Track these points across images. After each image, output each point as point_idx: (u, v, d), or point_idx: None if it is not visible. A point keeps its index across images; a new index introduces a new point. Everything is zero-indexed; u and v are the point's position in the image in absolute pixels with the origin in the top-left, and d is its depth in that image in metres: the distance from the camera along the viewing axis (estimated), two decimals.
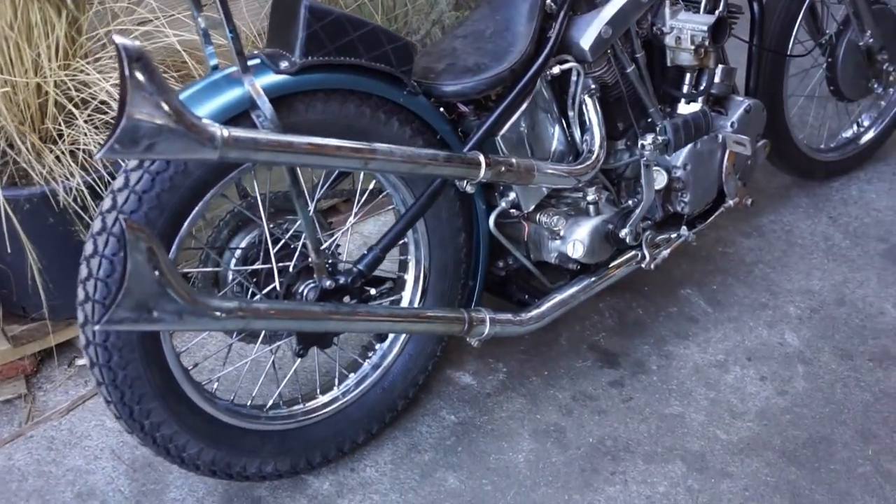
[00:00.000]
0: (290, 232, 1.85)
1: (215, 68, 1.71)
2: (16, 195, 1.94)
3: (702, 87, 2.24)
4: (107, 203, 1.60)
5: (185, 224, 1.65)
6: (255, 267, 1.81)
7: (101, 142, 1.92)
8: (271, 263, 1.80)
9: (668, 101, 2.28)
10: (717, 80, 2.25)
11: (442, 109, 1.94)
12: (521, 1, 1.98)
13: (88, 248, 1.60)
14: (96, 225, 1.60)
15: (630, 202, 2.22)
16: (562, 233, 2.05)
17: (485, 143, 1.90)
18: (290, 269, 1.81)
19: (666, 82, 2.26)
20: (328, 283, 1.76)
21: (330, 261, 1.80)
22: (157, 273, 1.45)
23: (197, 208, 1.65)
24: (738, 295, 2.55)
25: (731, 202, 2.37)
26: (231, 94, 1.62)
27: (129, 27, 1.91)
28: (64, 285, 2.11)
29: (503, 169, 1.84)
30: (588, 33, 2.01)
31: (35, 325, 2.20)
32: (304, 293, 1.81)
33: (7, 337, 2.18)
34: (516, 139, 1.97)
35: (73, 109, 1.85)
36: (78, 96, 1.88)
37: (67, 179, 1.91)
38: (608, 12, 2.02)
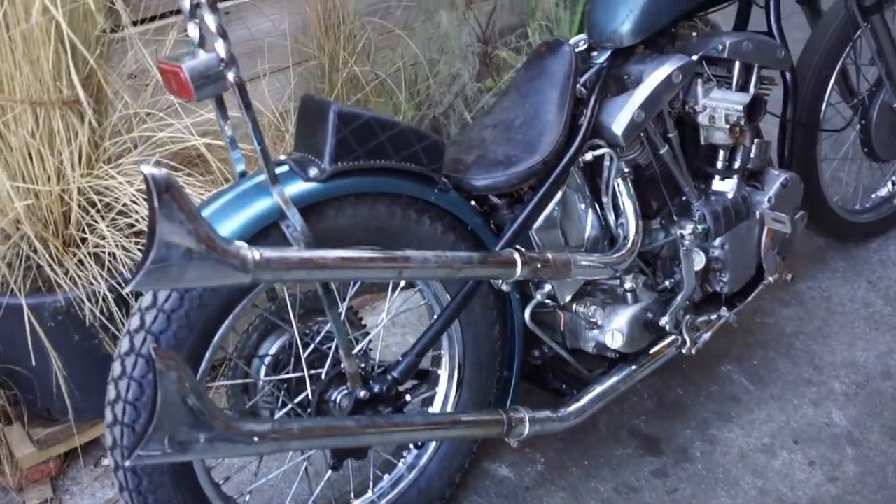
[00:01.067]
0: (321, 335, 1.80)
1: (243, 175, 1.67)
2: (39, 302, 1.89)
3: (737, 164, 2.18)
4: (134, 322, 1.55)
5: (215, 339, 1.59)
6: (286, 376, 1.75)
7: (124, 245, 1.89)
8: (303, 371, 1.75)
9: (702, 178, 2.22)
10: (752, 155, 2.19)
11: (473, 203, 1.89)
12: (551, 87, 1.93)
13: (116, 369, 1.55)
14: (124, 345, 1.55)
15: (668, 284, 2.15)
16: (599, 322, 1.99)
17: (518, 237, 1.85)
18: (323, 377, 1.75)
19: (699, 158, 2.21)
20: (362, 393, 1.69)
21: (363, 365, 1.74)
22: (188, 403, 1.39)
23: (227, 322, 1.60)
24: (781, 370, 2.47)
25: (770, 279, 2.30)
26: (260, 206, 1.57)
27: (152, 131, 1.87)
28: (88, 389, 2.06)
29: (539, 266, 1.78)
30: (620, 118, 1.96)
31: (60, 428, 2.14)
32: (338, 401, 1.75)
33: (32, 440, 2.13)
34: (550, 230, 1.91)
35: (96, 215, 1.81)
36: (101, 201, 1.84)
37: (91, 284, 1.86)
38: (640, 96, 1.97)
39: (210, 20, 1.45)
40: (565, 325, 2.04)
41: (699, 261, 2.14)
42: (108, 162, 1.87)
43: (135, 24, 2.04)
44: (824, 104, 2.58)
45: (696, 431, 2.29)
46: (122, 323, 1.90)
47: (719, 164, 2.20)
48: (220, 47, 1.45)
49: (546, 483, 2.16)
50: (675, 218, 2.18)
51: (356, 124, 1.62)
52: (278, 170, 1.61)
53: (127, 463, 1.51)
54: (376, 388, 1.71)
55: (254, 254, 1.39)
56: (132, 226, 1.88)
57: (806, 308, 2.69)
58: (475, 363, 1.97)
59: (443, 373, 1.97)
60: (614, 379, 2.05)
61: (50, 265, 1.83)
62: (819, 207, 2.70)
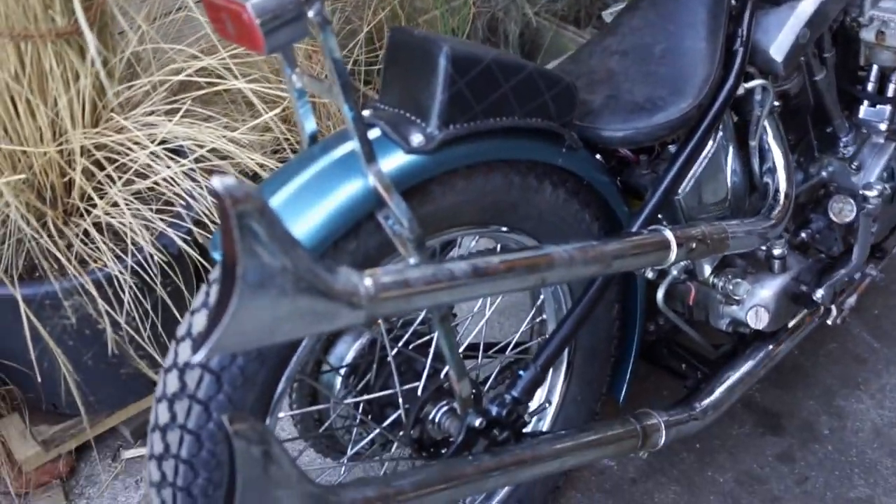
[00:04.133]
0: (409, 332, 1.40)
1: (314, 140, 1.22)
2: (34, 292, 1.46)
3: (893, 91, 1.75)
4: (172, 384, 1.14)
5: (287, 373, 1.19)
6: (370, 396, 1.37)
7: (144, 215, 1.45)
8: (392, 384, 1.36)
9: (845, 102, 1.80)
10: None
11: (598, 156, 1.46)
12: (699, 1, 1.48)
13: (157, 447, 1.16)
14: (161, 415, 1.15)
15: (804, 237, 1.76)
16: (740, 297, 1.60)
17: (663, 206, 1.44)
18: (419, 392, 1.37)
19: (845, 79, 1.78)
20: (477, 421, 1.31)
21: (474, 391, 1.36)
22: (274, 480, 1.01)
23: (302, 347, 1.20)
24: None
25: None
26: (348, 191, 1.13)
27: (174, 71, 1.38)
28: (101, 377, 1.67)
29: (694, 245, 1.37)
30: (781, 40, 1.51)
31: (68, 423, 1.76)
32: (439, 422, 1.37)
33: (36, 439, 1.74)
34: (695, 192, 1.50)
35: (106, 178, 1.35)
36: (111, 161, 1.38)
37: (97, 264, 1.43)
38: (805, 9, 1.52)
39: None
40: (695, 299, 1.65)
41: (849, 211, 1.74)
42: (121, 110, 1.40)
43: None
44: None
45: (821, 402, 1.96)
46: (134, 305, 1.47)
47: (870, 86, 1.77)
48: None
49: (655, 474, 1.83)
50: (816, 154, 1.77)
51: (474, 72, 1.17)
52: (369, 135, 1.17)
53: None
54: (493, 413, 1.33)
55: (366, 283, 0.97)
56: (152, 190, 1.42)
57: None
58: (588, 351, 1.59)
59: None
60: (750, 363, 1.68)
61: (47, 244, 1.39)
62: None
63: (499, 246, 1.45)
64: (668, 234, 1.34)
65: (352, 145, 1.12)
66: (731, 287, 1.58)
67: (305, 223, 1.13)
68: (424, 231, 1.22)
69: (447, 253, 1.53)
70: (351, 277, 0.96)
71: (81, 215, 1.42)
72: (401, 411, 1.37)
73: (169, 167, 1.34)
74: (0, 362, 1.60)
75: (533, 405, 1.62)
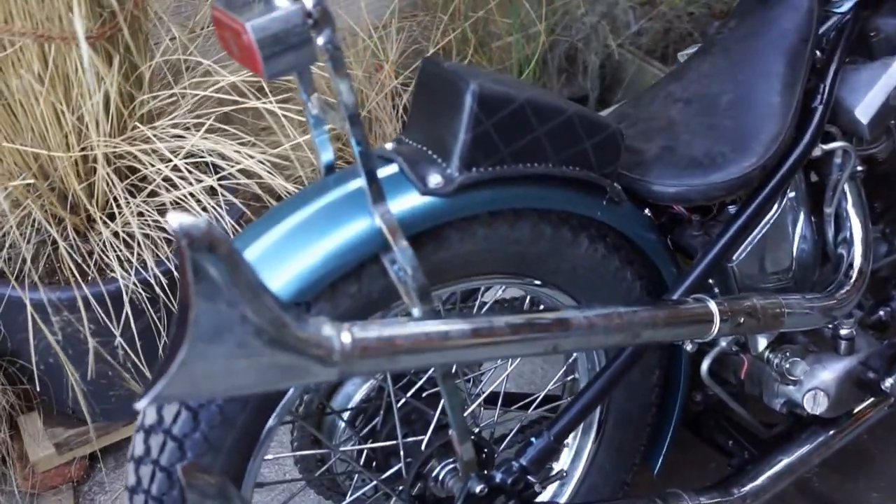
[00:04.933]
0: (418, 384, 1.31)
1: (330, 170, 1.14)
2: (55, 296, 1.43)
3: None
4: (150, 416, 1.08)
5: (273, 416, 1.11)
6: (372, 446, 1.28)
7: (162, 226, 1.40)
8: (397, 439, 1.27)
9: None
10: None
11: (647, 211, 1.34)
12: (777, 50, 1.34)
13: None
14: (138, 448, 1.10)
15: (882, 316, 1.60)
16: (798, 378, 1.45)
17: (713, 272, 1.30)
18: (423, 447, 1.27)
19: None
20: (478, 487, 1.20)
21: (486, 451, 1.25)
22: None
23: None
24: None
25: None
26: (354, 230, 1.05)
27: (206, 83, 1.33)
28: (111, 388, 1.63)
29: (742, 320, 1.24)
30: (869, 100, 1.37)
31: (84, 428, 1.72)
32: (442, 480, 1.27)
33: (51, 443, 1.72)
34: (753, 258, 1.36)
35: (130, 187, 1.31)
36: (132, 170, 1.33)
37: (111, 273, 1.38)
38: None
39: None
40: (747, 373, 1.50)
41: None
42: (147, 121, 1.35)
43: None
44: None
45: (886, 496, 1.77)
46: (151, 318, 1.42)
47: None
48: None
49: None
50: None
51: (504, 113, 1.07)
52: (384, 171, 1.09)
53: None
54: (498, 480, 1.22)
55: (342, 336, 0.88)
56: (178, 203, 1.37)
57: None
58: (622, 417, 1.46)
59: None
60: (805, 449, 1.52)
61: (67, 249, 1.35)
62: None
63: (528, 298, 1.35)
64: (712, 305, 1.20)
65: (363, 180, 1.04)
66: (787, 366, 1.43)
67: (303, 259, 1.05)
68: (437, 279, 1.14)
69: (473, 299, 1.42)
70: (324, 331, 0.87)
71: (106, 223, 1.38)
72: (402, 465, 1.27)
73: (192, 183, 1.28)
74: (19, 362, 1.58)
75: (556, 467, 1.51)
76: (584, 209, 1.21)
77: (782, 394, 1.48)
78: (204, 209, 1.32)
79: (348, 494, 1.37)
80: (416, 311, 1.04)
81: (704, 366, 1.40)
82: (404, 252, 1.03)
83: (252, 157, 1.29)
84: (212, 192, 1.35)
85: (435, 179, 1.08)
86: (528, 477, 1.24)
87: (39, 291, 1.38)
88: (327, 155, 1.13)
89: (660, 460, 1.55)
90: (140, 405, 0.80)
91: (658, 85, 1.45)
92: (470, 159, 1.07)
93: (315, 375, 0.87)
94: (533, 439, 1.23)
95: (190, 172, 1.27)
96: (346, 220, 1.06)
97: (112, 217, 1.42)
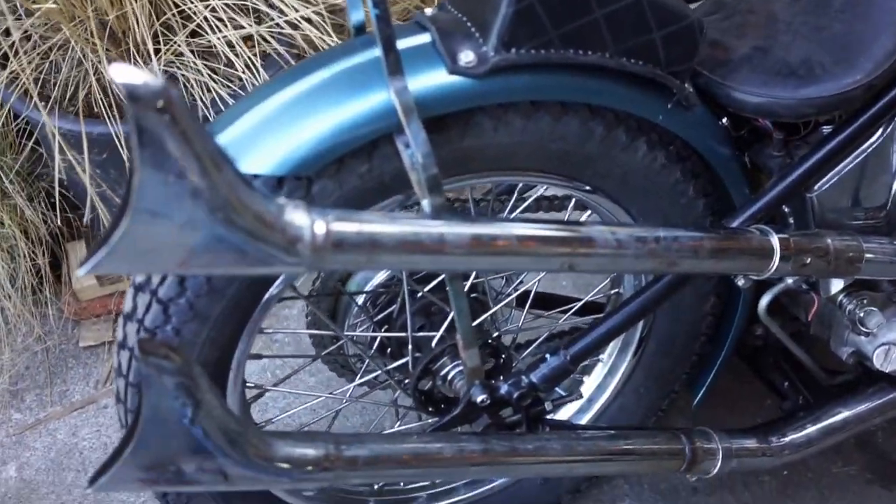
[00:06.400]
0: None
1: (360, 31, 1.02)
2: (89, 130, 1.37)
3: None
4: (128, 302, 1.03)
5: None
6: (378, 333, 1.20)
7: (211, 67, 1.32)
8: (407, 331, 1.19)
9: None
10: None
11: (725, 121, 1.17)
12: None
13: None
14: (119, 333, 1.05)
15: None
16: (871, 330, 1.28)
17: (789, 200, 1.14)
18: (433, 345, 1.19)
19: None
20: (480, 397, 1.11)
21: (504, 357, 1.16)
22: (190, 414, 0.88)
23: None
24: None
25: None
26: (368, 104, 0.94)
27: None
28: None
29: (808, 261, 1.08)
30: None
31: None
32: (451, 379, 1.19)
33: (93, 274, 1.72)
34: (841, 193, 1.18)
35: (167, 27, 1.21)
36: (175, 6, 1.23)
37: None
38: None
39: None
40: (816, 314, 1.34)
41: None
42: None
43: None
44: None
45: None
46: None
47: None
48: None
49: (722, 490, 1.58)
50: None
51: None
52: (414, 40, 0.97)
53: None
54: (502, 392, 1.13)
55: (314, 226, 0.78)
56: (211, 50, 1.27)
57: None
58: (664, 341, 1.34)
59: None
60: (866, 406, 1.36)
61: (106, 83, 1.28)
62: None
63: (573, 200, 1.22)
64: (774, 239, 1.05)
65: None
66: (861, 314, 1.26)
67: (309, 127, 0.95)
68: (463, 168, 1.02)
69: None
70: (294, 216, 0.77)
71: (146, 60, 1.30)
72: (409, 358, 1.20)
73: (232, 29, 1.18)
74: (70, 192, 1.56)
75: (591, 385, 1.41)
76: (644, 111, 1.05)
77: (852, 343, 1.32)
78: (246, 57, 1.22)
79: (357, 376, 1.31)
80: (424, 203, 0.93)
81: (763, 302, 1.24)
82: (416, 135, 0.91)
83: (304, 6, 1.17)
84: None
85: (467, 57, 0.94)
86: (538, 392, 1.14)
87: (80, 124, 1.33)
88: (357, 14, 1.01)
89: (702, 391, 1.42)
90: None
91: None
92: (510, 38, 0.93)
93: (280, 265, 0.78)
94: (548, 356, 1.13)
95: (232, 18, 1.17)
96: (362, 90, 0.94)
97: (157, 52, 1.34)
